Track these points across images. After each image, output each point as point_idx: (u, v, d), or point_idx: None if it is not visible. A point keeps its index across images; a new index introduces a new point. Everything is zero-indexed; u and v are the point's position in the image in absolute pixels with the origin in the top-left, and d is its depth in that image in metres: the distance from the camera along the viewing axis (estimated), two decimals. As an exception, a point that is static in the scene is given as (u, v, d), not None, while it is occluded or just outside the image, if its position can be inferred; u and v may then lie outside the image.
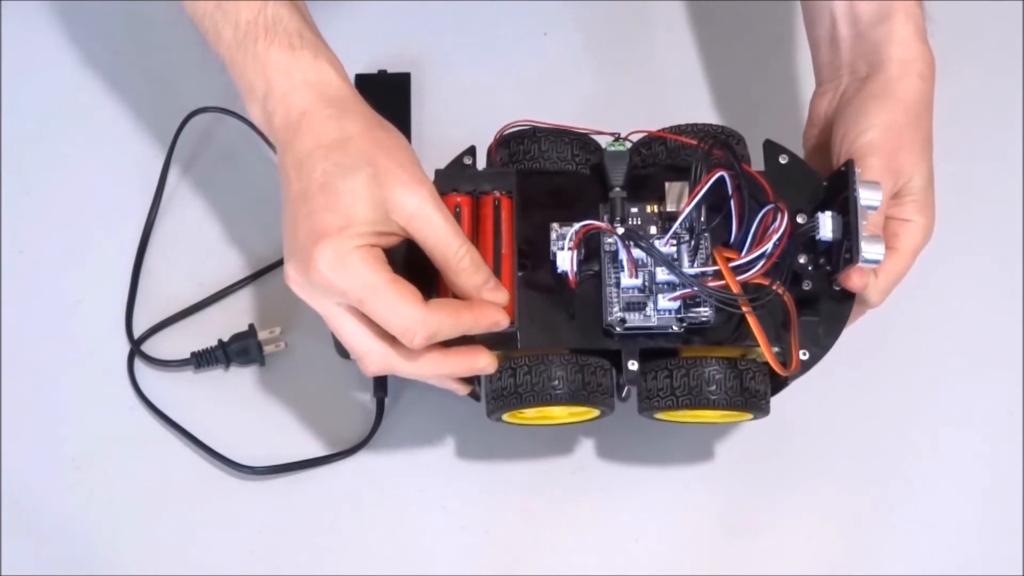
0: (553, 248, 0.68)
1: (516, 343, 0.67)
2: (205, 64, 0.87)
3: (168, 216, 0.84)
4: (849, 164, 0.66)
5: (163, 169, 0.84)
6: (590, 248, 0.68)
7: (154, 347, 0.80)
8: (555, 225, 0.69)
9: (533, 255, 0.69)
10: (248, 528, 0.77)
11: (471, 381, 0.70)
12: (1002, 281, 0.84)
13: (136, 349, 0.80)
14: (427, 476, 0.78)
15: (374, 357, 0.66)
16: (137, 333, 0.81)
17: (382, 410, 0.78)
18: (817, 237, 0.65)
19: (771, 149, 0.71)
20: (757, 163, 0.72)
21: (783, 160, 0.70)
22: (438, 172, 0.68)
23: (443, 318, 0.63)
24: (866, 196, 0.65)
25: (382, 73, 0.86)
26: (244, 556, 0.76)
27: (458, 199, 0.68)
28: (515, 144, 0.71)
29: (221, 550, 0.76)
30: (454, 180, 0.68)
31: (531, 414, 0.70)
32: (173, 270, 0.83)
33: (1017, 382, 0.82)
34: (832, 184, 0.68)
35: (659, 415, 0.70)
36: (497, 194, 0.68)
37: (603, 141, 0.72)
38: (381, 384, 0.78)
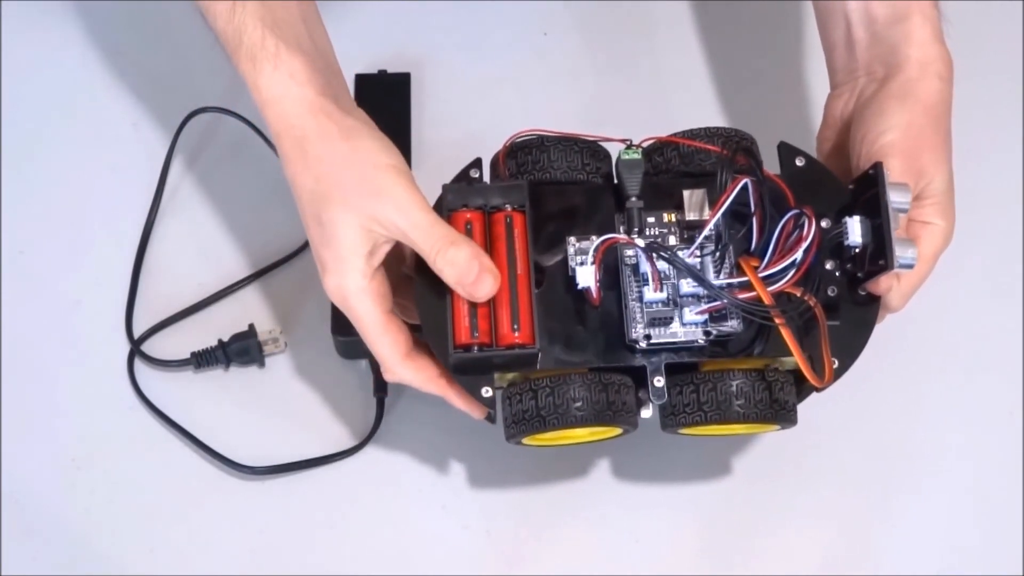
0: (572, 264, 0.66)
1: (536, 363, 0.65)
2: (205, 64, 0.87)
3: (168, 216, 0.84)
4: (878, 167, 0.65)
5: (163, 169, 0.85)
6: (608, 261, 0.66)
7: (154, 347, 0.80)
8: (572, 239, 0.67)
9: (548, 269, 0.67)
10: (248, 528, 0.77)
11: (489, 408, 0.67)
12: (1002, 282, 0.84)
13: (136, 349, 0.80)
14: (427, 476, 0.78)
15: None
16: (137, 333, 0.81)
17: (382, 410, 0.79)
18: (846, 243, 0.64)
19: (787, 151, 0.69)
20: (767, 165, 0.71)
21: (799, 163, 0.69)
22: (446, 187, 0.66)
23: (413, 377, 0.67)
24: (896, 199, 0.64)
25: (382, 73, 0.86)
26: (244, 556, 0.76)
27: (468, 215, 0.66)
28: (523, 154, 0.69)
29: (221, 550, 0.76)
30: (464, 195, 0.66)
31: (550, 435, 0.67)
32: (173, 270, 0.83)
33: (1017, 382, 0.82)
34: (857, 187, 0.67)
35: (684, 430, 0.68)
36: (509, 209, 0.66)
37: (612, 148, 0.70)
38: (381, 384, 0.78)
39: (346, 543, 0.77)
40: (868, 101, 0.71)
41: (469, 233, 0.66)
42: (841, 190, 0.68)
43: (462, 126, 0.86)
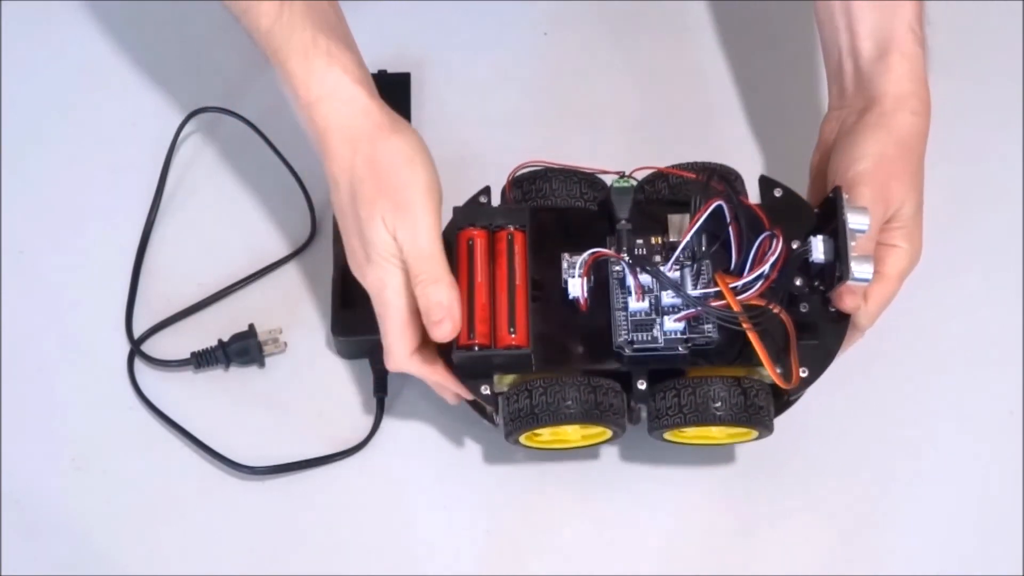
0: (565, 276, 0.71)
1: (531, 366, 0.70)
2: (205, 64, 0.87)
3: (168, 216, 0.84)
4: (837, 190, 0.69)
5: (163, 169, 0.85)
6: (599, 276, 0.71)
7: (154, 347, 0.80)
8: (566, 255, 0.72)
9: (546, 285, 0.72)
10: (248, 528, 0.77)
11: (489, 405, 0.72)
12: (1002, 281, 0.84)
13: (136, 349, 0.80)
14: (427, 476, 0.78)
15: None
16: (137, 333, 0.81)
17: (382, 410, 0.79)
18: (810, 259, 0.68)
19: (766, 183, 0.74)
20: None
21: (777, 193, 0.73)
22: (456, 209, 0.72)
23: (417, 369, 0.71)
24: (854, 220, 0.68)
25: (382, 73, 0.86)
26: (244, 556, 0.76)
27: (473, 233, 0.71)
28: (528, 184, 0.75)
29: (221, 550, 0.76)
30: (471, 216, 0.72)
31: (547, 436, 0.73)
32: (173, 270, 0.83)
33: (1017, 382, 0.82)
34: (823, 210, 0.71)
35: (668, 435, 0.72)
36: (511, 228, 0.71)
37: (608, 180, 0.74)
38: (381, 384, 0.78)
39: (346, 543, 0.77)
40: (848, 130, 0.75)
41: (471, 248, 0.70)
42: (813, 217, 0.72)
43: (462, 126, 0.86)
